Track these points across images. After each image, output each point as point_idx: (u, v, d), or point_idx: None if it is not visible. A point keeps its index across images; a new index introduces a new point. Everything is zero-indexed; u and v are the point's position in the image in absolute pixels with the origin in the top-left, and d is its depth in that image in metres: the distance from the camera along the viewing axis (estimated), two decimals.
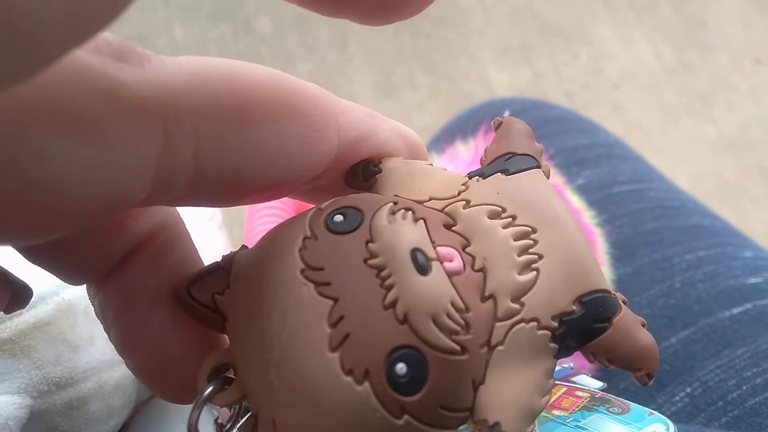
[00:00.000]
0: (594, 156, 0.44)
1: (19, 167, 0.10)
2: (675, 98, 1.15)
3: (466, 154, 0.38)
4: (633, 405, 0.20)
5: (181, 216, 0.15)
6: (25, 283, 0.15)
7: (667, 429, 0.19)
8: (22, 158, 0.10)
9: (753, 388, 0.32)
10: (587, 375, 0.24)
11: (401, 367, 0.11)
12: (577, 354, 0.13)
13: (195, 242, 0.15)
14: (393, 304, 0.12)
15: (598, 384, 0.22)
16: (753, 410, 0.31)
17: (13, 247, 0.13)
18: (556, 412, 0.20)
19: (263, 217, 0.34)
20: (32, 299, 0.23)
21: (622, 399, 0.20)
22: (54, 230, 0.11)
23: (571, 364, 0.24)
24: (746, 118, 1.12)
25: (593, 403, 0.20)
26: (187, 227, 0.15)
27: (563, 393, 0.21)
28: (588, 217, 0.36)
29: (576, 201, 0.36)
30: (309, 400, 0.11)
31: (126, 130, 0.11)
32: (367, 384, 0.11)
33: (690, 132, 1.11)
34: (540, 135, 0.46)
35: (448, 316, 0.12)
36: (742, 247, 0.39)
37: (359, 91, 1.14)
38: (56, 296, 0.23)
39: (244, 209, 0.42)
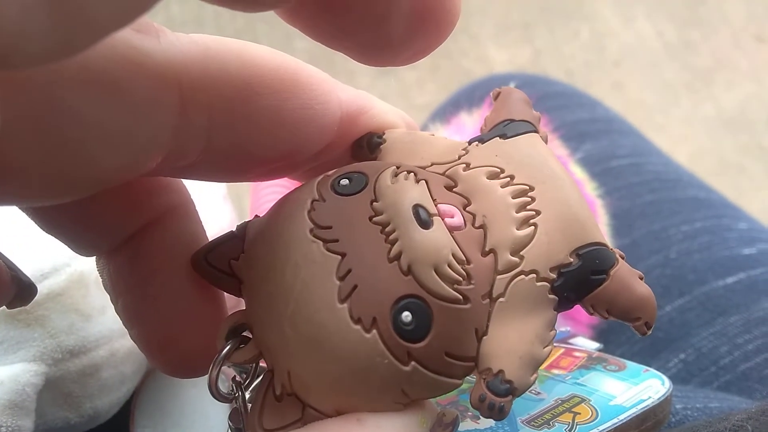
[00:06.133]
0: (594, 130, 0.45)
1: (49, 123, 0.10)
2: (675, 76, 1.14)
3: (472, 124, 0.38)
4: (629, 363, 0.20)
5: (190, 188, 0.16)
6: (30, 281, 0.16)
7: (663, 383, 0.19)
8: (53, 114, 0.10)
9: (745, 354, 0.33)
10: (584, 337, 0.25)
11: (406, 315, 0.12)
12: (573, 318, 0.14)
13: (203, 213, 0.16)
14: (397, 257, 0.12)
15: (595, 345, 0.23)
16: (744, 375, 0.32)
17: (31, 212, 0.14)
18: (555, 371, 0.20)
19: (268, 195, 0.35)
20: (46, 270, 0.23)
21: (618, 358, 0.21)
22: (74, 190, 0.12)
23: (568, 328, 0.25)
24: (746, 96, 1.12)
25: (591, 362, 0.21)
26: (195, 200, 0.16)
27: (561, 353, 0.22)
28: (590, 189, 0.36)
29: (579, 173, 0.37)
30: (321, 348, 0.12)
31: (147, 96, 0.12)
32: (375, 332, 0.12)
33: (690, 110, 1.11)
34: (540, 110, 0.46)
35: (450, 266, 0.12)
36: (737, 219, 0.40)
37: (358, 69, 1.14)
38: (68, 267, 0.23)
39: (248, 185, 0.43)
